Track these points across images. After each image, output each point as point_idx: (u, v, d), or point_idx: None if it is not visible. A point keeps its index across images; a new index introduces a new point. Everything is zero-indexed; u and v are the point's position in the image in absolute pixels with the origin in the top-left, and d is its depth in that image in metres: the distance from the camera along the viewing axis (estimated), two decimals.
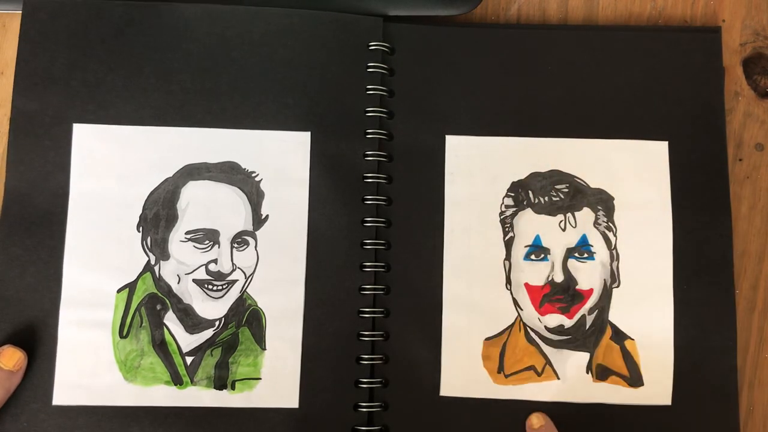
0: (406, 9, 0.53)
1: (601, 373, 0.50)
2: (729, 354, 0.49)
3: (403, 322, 0.50)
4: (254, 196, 0.50)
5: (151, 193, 0.50)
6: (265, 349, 0.49)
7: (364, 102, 0.52)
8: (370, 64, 0.52)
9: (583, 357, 0.50)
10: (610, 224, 0.51)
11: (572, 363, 0.50)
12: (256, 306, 0.49)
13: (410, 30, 0.53)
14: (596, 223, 0.51)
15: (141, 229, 0.50)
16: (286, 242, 0.50)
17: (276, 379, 0.49)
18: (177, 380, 0.49)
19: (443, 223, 0.51)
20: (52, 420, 0.47)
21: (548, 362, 0.50)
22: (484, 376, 0.50)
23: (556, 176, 0.51)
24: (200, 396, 0.48)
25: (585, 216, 0.51)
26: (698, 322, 0.50)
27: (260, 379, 0.49)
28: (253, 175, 0.51)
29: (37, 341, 0.48)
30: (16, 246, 0.49)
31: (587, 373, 0.50)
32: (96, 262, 0.49)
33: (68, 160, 0.50)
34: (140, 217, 0.50)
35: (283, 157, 0.51)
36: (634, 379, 0.49)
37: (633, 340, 0.50)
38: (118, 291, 0.49)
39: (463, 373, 0.49)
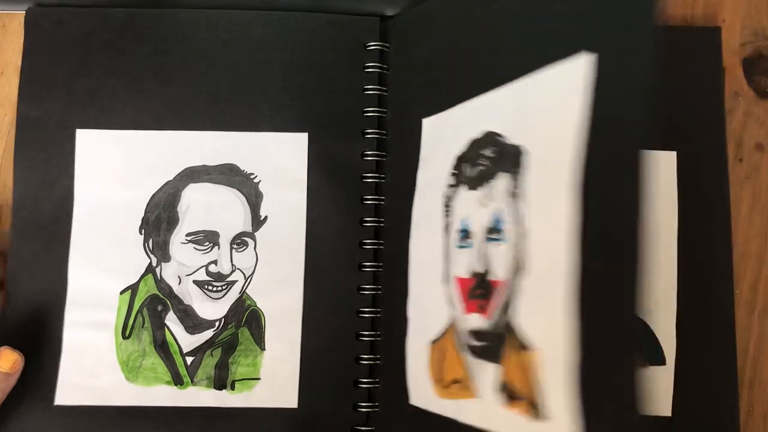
0: (404, 9, 0.52)
1: (508, 395, 0.38)
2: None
3: (395, 321, 0.49)
4: (253, 197, 0.51)
5: (153, 196, 0.50)
6: (264, 349, 0.49)
7: (362, 102, 0.52)
8: (367, 65, 0.52)
9: (493, 370, 0.38)
10: (517, 190, 0.38)
11: (486, 378, 0.39)
12: (256, 306, 0.50)
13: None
14: (512, 193, 0.39)
15: (143, 231, 0.50)
16: (285, 243, 0.50)
17: (275, 379, 0.49)
18: (178, 380, 0.49)
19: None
20: (55, 419, 0.48)
21: (469, 375, 0.40)
22: (429, 386, 0.44)
23: (487, 138, 0.41)
24: (200, 396, 0.49)
25: (501, 184, 0.39)
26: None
27: (259, 379, 0.49)
28: (252, 176, 0.51)
29: (41, 342, 0.49)
30: (24, 250, 0.49)
31: (499, 392, 0.38)
32: (100, 265, 0.50)
33: (72, 165, 0.50)
34: (142, 220, 0.50)
35: (281, 159, 0.51)
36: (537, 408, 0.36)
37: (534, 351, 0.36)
38: (121, 292, 0.50)
39: (418, 382, 0.46)
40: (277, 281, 0.50)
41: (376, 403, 0.49)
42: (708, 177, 0.51)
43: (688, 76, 0.52)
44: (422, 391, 0.44)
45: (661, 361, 0.50)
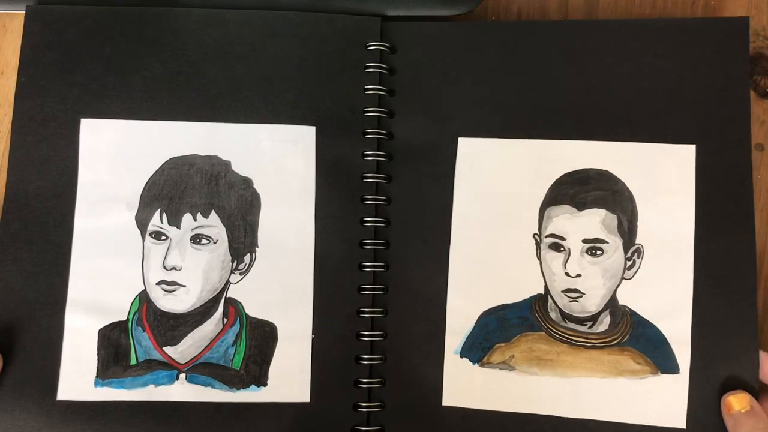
0: (405, 9, 0.52)
1: None
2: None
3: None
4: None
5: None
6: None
7: (363, 102, 0.51)
8: (368, 64, 0.52)
9: None
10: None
11: None
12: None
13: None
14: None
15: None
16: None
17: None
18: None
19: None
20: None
21: None
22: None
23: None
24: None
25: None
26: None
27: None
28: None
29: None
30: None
31: None
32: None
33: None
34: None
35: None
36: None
37: None
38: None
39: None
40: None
41: (377, 403, 0.48)
42: (730, 170, 0.49)
43: (710, 62, 0.50)
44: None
45: (674, 369, 0.48)
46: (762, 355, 0.46)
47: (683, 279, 0.48)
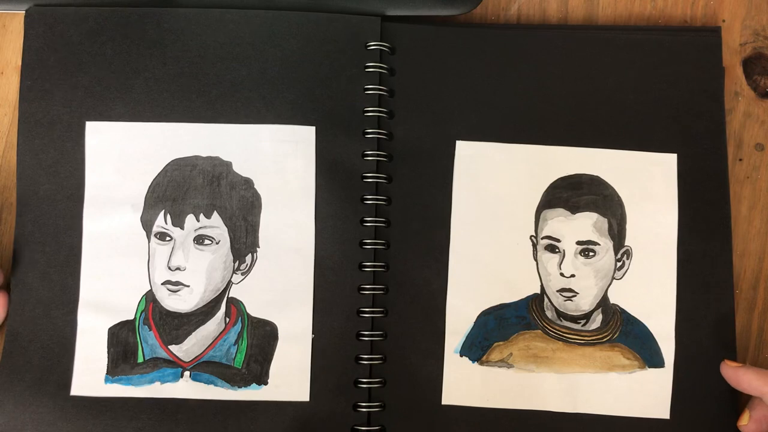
0: (405, 9, 0.52)
1: None
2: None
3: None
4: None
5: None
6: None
7: (362, 102, 0.52)
8: (368, 64, 0.52)
9: None
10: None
11: None
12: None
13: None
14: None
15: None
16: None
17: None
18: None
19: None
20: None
21: None
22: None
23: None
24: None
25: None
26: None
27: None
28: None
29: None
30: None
31: None
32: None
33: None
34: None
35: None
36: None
37: None
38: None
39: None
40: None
41: (377, 403, 0.49)
42: (708, 178, 0.51)
43: (688, 76, 0.52)
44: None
45: (660, 363, 0.50)
46: (735, 369, 0.48)
47: (668, 279, 0.51)
